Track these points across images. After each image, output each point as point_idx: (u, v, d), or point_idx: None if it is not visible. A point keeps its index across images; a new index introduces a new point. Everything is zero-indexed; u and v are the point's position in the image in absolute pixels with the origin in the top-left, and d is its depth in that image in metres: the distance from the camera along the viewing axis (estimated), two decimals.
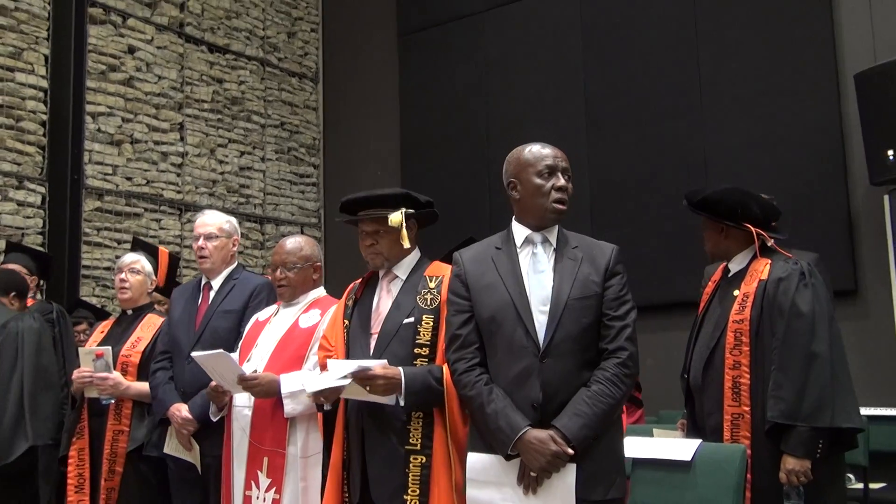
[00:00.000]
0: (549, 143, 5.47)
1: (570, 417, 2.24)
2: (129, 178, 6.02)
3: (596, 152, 5.98)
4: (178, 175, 6.34)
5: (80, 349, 3.77)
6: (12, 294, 4.10)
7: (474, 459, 2.37)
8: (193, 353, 3.19)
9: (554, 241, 2.46)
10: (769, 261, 3.00)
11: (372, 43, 7.38)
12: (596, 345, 2.35)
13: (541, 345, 2.30)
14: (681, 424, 3.25)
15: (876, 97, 4.65)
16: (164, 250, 4.45)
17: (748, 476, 2.82)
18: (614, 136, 5.93)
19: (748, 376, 2.86)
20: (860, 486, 4.10)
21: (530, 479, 2.25)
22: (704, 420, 2.97)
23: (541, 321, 2.33)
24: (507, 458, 2.30)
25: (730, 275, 3.12)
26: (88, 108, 5.79)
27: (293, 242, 3.28)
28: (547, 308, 2.34)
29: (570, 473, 2.22)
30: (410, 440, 2.61)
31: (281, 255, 3.23)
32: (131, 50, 6.12)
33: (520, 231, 2.49)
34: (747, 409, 2.85)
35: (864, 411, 3.79)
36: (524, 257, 2.44)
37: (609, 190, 5.86)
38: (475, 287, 2.44)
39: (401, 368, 2.58)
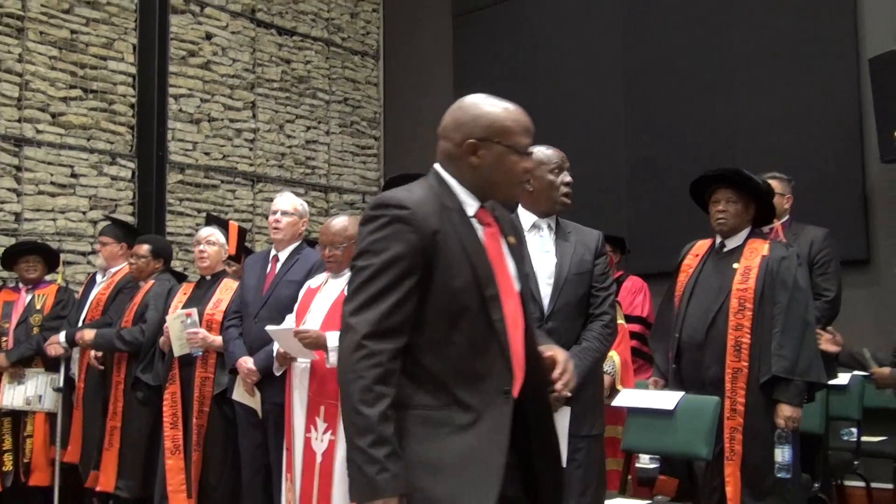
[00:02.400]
0: (592, 119, 6.16)
1: None
2: (207, 153, 6.68)
3: (633, 128, 6.41)
4: (251, 149, 6.98)
5: (169, 315, 4.38)
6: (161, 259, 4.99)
7: None
8: (267, 328, 3.69)
9: (554, 227, 3.00)
10: (767, 241, 3.51)
11: (429, 22, 7.87)
12: (587, 310, 2.91)
13: (545, 310, 2.86)
14: (653, 381, 3.72)
15: (888, 80, 4.97)
16: (233, 224, 5.04)
17: (741, 421, 3.34)
18: (651, 113, 6.33)
19: (749, 337, 3.37)
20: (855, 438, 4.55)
21: None
22: (704, 372, 3.44)
23: (546, 291, 2.89)
24: None
25: (725, 250, 3.59)
26: (171, 90, 6.46)
27: (339, 223, 3.70)
28: (552, 281, 2.89)
29: (564, 414, 2.72)
30: None
31: (328, 235, 3.67)
32: (208, 36, 6.74)
33: (527, 217, 3.01)
34: (746, 364, 3.36)
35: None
36: (531, 239, 2.97)
37: (645, 165, 6.28)
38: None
39: None
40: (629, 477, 3.62)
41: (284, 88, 7.27)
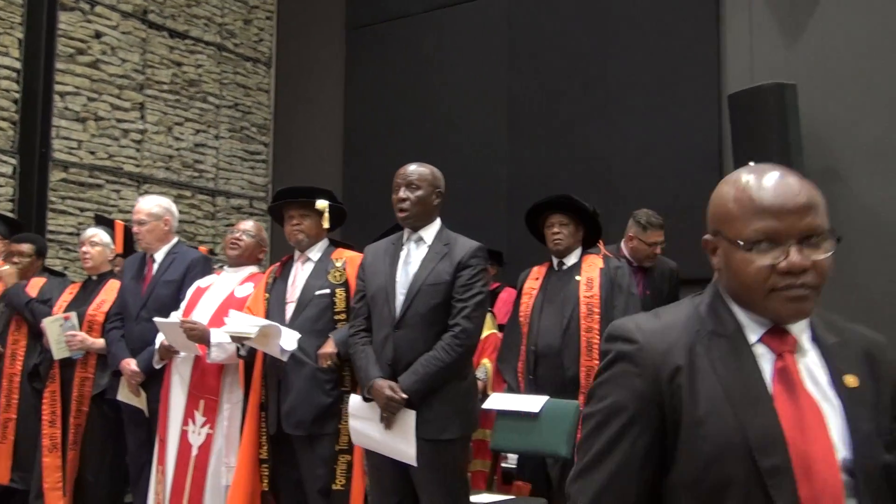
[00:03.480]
0: (475, 138, 6.33)
1: (408, 374, 2.97)
2: (92, 153, 6.63)
3: (514, 147, 6.72)
4: (138, 150, 6.96)
5: (47, 318, 4.38)
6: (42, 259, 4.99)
7: (355, 400, 3.14)
8: (155, 319, 3.84)
9: (429, 240, 3.17)
10: (599, 255, 3.95)
11: (322, 33, 8.01)
12: (445, 321, 3.05)
13: (396, 318, 3.04)
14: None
15: (745, 117, 5.41)
16: (119, 223, 5.05)
17: None
18: (531, 133, 6.66)
19: (598, 338, 3.72)
20: None
21: (384, 418, 2.98)
22: (564, 373, 3.77)
23: (400, 301, 3.05)
24: (366, 399, 3.05)
25: (565, 267, 3.97)
26: (57, 87, 6.38)
27: (248, 225, 4.06)
28: (406, 291, 3.06)
29: (410, 417, 2.95)
30: (318, 382, 3.38)
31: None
32: (98, 35, 6.70)
33: (406, 231, 3.22)
34: (597, 362, 3.63)
35: None
36: (403, 252, 3.17)
37: (525, 186, 6.57)
38: (368, 272, 3.20)
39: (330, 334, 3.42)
40: (495, 477, 3.89)
41: (174, 91, 7.27)
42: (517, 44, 6.85)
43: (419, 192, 3.14)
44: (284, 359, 3.35)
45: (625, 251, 4.72)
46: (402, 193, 3.13)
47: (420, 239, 3.18)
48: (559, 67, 6.59)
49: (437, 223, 3.22)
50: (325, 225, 3.57)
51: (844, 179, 5.40)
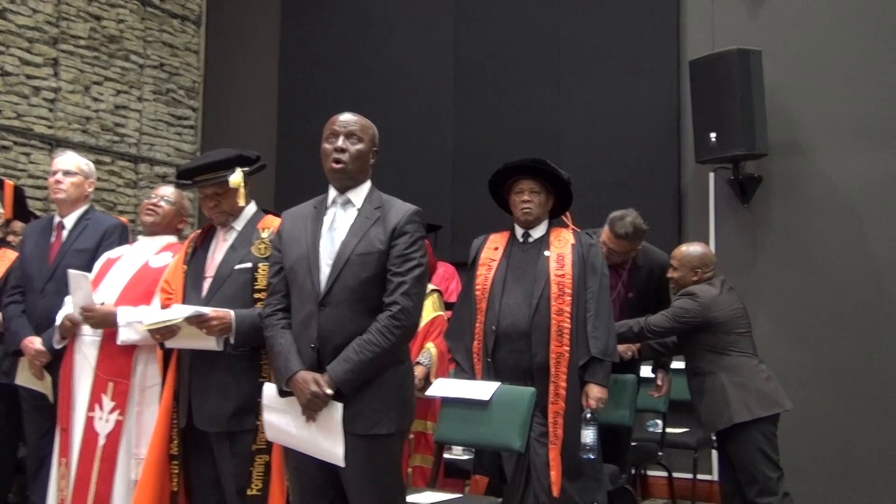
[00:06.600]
0: (420, 103, 5.73)
1: (339, 362, 2.54)
2: None
3: (461, 114, 6.33)
4: (51, 111, 6.36)
5: None
6: None
7: (269, 389, 2.70)
8: (69, 271, 3.35)
9: (359, 203, 2.73)
10: (569, 229, 3.55)
11: None
12: (378, 296, 2.62)
13: (321, 293, 2.61)
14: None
15: (706, 83, 5.12)
16: (9, 182, 4.53)
17: (563, 405, 3.33)
18: (480, 100, 6.28)
19: (569, 322, 3.38)
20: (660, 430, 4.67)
21: (307, 412, 2.57)
22: (531, 359, 3.39)
23: (325, 273, 2.62)
24: (282, 393, 2.62)
25: (531, 240, 3.57)
26: None
27: (168, 191, 3.64)
28: (332, 262, 2.63)
29: (336, 410, 2.53)
30: (234, 373, 2.92)
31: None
32: None
33: (331, 193, 2.79)
34: (567, 349, 3.36)
35: (673, 364, 4.36)
36: (328, 216, 2.73)
37: (471, 152, 6.22)
38: (286, 241, 2.76)
39: (231, 311, 2.88)
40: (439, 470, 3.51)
41: (93, 47, 6.68)
42: (464, 5, 6.43)
43: (360, 146, 2.73)
44: (220, 348, 2.90)
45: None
46: (341, 143, 2.70)
47: (348, 201, 2.75)
48: (509, 30, 6.21)
49: (368, 184, 2.79)
50: (241, 203, 3.09)
51: (807, 152, 5.18)
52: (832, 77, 5.12)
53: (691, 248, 3.99)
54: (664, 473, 4.95)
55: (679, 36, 5.64)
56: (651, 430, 4.76)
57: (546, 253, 3.52)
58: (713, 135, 5.02)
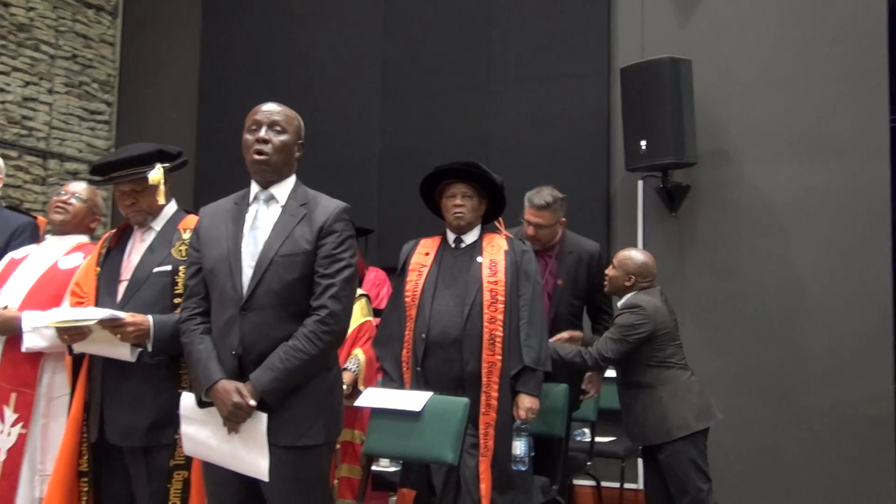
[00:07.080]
0: (346, 104, 5.50)
1: (263, 371, 2.39)
2: None
3: (388, 117, 6.19)
4: None
5: None
6: None
7: (188, 399, 2.53)
8: None
9: (283, 199, 2.58)
10: (501, 235, 3.47)
11: None
12: (305, 300, 2.48)
13: (243, 297, 2.45)
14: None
15: (636, 91, 5.11)
16: None
17: (494, 416, 3.23)
18: (407, 103, 6.15)
19: (501, 330, 3.28)
20: (588, 439, 4.62)
21: (228, 423, 2.42)
22: (462, 368, 3.27)
23: (248, 275, 2.46)
24: (201, 404, 2.46)
25: (463, 245, 3.47)
26: None
27: (79, 187, 3.44)
28: (254, 263, 2.47)
29: (261, 421, 2.38)
30: (151, 382, 2.73)
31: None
32: None
33: (253, 188, 2.63)
34: (499, 358, 3.27)
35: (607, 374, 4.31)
36: (250, 214, 2.57)
37: (399, 154, 6.09)
38: (204, 240, 2.59)
39: (150, 316, 2.69)
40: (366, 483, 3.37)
41: (0, 35, 6.32)
42: (394, 5, 6.31)
43: (284, 137, 2.58)
44: (133, 358, 2.69)
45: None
46: (264, 133, 2.55)
47: (271, 197, 2.59)
48: (439, 32, 6.11)
49: (293, 179, 2.65)
50: (161, 201, 2.88)
51: (734, 162, 5.22)
52: (761, 88, 5.17)
53: (634, 254, 3.93)
54: (592, 483, 4.91)
55: (610, 43, 5.62)
56: (579, 439, 4.71)
57: (479, 259, 3.42)
58: (643, 143, 5.01)
